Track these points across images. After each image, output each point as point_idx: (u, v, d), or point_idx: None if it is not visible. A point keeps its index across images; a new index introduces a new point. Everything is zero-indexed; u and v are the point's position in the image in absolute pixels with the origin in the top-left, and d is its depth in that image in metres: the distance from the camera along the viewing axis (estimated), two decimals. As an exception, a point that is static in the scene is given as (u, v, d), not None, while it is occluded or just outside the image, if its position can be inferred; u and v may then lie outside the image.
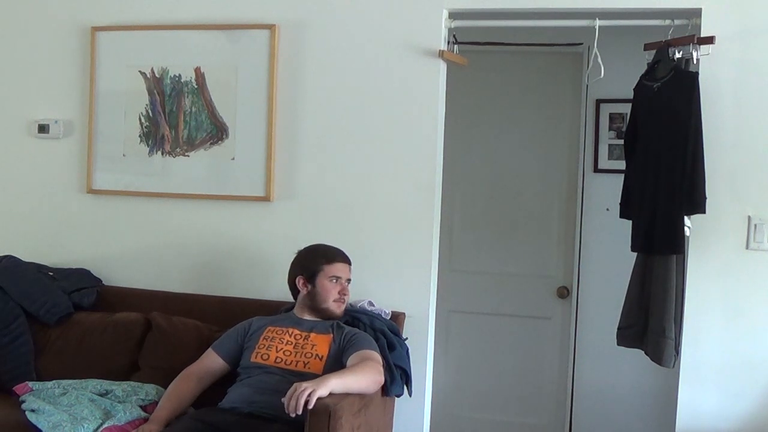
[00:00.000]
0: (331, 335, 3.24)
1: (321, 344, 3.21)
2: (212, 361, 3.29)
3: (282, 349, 3.21)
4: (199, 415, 3.07)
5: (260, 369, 3.17)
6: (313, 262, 3.32)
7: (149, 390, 3.29)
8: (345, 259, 3.36)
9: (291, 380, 2.97)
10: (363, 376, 3.02)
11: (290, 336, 3.25)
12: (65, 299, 3.72)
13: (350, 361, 3.11)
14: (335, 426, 2.83)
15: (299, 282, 3.33)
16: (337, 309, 3.31)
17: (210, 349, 3.31)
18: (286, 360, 3.18)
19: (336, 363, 3.15)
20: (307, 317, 3.32)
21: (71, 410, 3.08)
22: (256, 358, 3.20)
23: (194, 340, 3.50)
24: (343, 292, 3.31)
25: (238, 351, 3.28)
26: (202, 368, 3.27)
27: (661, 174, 3.23)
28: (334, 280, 3.30)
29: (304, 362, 3.17)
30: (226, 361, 3.28)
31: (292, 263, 3.37)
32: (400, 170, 3.62)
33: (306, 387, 2.80)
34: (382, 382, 3.15)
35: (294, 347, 3.21)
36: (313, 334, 3.25)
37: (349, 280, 3.35)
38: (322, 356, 3.18)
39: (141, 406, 3.20)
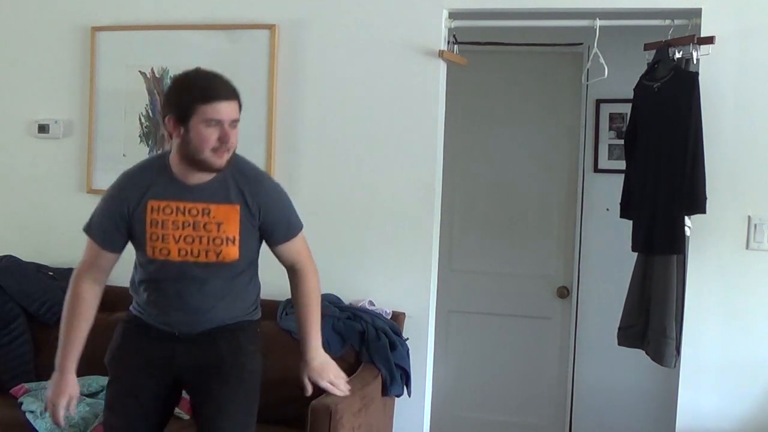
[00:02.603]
0: (238, 204, 2.63)
1: (228, 221, 2.61)
2: (108, 260, 2.70)
3: (181, 236, 2.59)
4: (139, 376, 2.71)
5: (163, 266, 2.64)
6: (184, 98, 2.52)
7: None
8: (228, 95, 2.54)
9: (209, 274, 2.63)
10: (318, 306, 2.81)
11: (183, 214, 2.60)
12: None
13: (287, 258, 2.73)
14: (335, 426, 2.84)
15: (169, 122, 2.55)
16: (218, 160, 2.54)
17: (98, 247, 2.68)
18: (192, 250, 2.60)
19: (251, 238, 2.67)
20: (192, 177, 2.60)
21: (67, 412, 3.09)
22: (154, 254, 2.61)
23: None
24: (224, 139, 2.52)
25: (125, 238, 2.68)
26: (102, 274, 2.72)
27: (662, 174, 3.24)
28: (213, 124, 2.50)
29: (215, 251, 2.60)
30: (119, 253, 2.71)
31: (164, 95, 2.70)
32: (400, 170, 3.62)
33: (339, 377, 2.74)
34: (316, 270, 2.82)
35: (194, 229, 2.60)
36: (213, 206, 2.60)
37: (235, 122, 2.56)
38: (234, 238, 2.62)
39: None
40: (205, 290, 2.64)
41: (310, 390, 2.73)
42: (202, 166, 2.56)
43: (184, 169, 2.59)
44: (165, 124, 2.57)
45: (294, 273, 2.75)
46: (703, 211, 3.18)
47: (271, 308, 3.55)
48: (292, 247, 2.72)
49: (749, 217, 3.28)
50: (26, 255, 3.91)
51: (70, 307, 2.73)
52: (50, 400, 2.67)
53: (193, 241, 2.60)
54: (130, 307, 2.79)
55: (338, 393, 2.73)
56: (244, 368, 2.69)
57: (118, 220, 2.64)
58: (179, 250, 2.60)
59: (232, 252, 2.61)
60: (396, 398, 3.44)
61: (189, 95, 2.51)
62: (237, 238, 2.61)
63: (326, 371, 2.72)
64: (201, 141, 2.50)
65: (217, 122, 2.50)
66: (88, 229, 2.70)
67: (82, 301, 2.70)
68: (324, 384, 2.71)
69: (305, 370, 2.72)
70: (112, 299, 3.82)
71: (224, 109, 2.51)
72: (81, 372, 3.43)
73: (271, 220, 2.66)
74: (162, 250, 2.60)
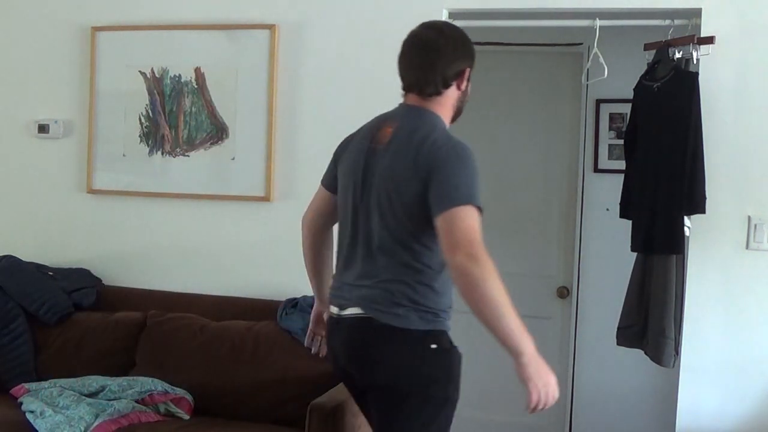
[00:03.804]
0: None
1: None
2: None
3: None
4: None
5: None
6: (473, 52, 2.54)
7: (144, 382, 3.32)
8: None
9: None
10: None
11: None
12: (65, 299, 3.72)
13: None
14: (335, 426, 2.83)
15: (465, 75, 2.50)
16: None
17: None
18: None
19: None
20: None
21: (67, 412, 3.10)
22: None
23: (186, 329, 3.54)
24: None
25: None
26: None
27: (661, 174, 3.24)
28: None
29: None
30: None
31: (461, 47, 2.51)
32: (400, 170, 3.61)
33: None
34: None
35: None
36: None
37: None
38: None
39: (137, 400, 3.23)
40: None
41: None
42: (455, 121, 2.56)
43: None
44: (462, 75, 2.48)
45: None
46: (703, 211, 3.18)
47: (271, 308, 3.56)
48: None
49: (749, 217, 3.28)
50: (26, 255, 3.91)
51: (503, 291, 2.33)
52: None
53: None
54: (436, 327, 2.38)
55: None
56: None
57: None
58: None
59: None
60: (396, 398, 3.43)
61: (473, 49, 2.53)
62: None
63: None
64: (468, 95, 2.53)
65: None
66: (478, 201, 2.31)
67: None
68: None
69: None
70: (111, 299, 3.86)
71: None
72: (81, 372, 3.46)
73: None
74: None
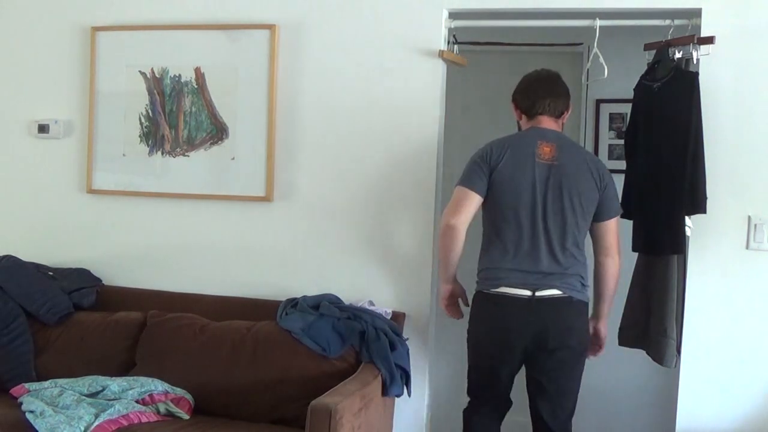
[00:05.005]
0: None
1: None
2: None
3: None
4: None
5: None
6: None
7: (144, 382, 3.31)
8: None
9: None
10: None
11: None
12: (65, 299, 3.72)
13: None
14: (335, 426, 2.83)
15: (569, 110, 3.25)
16: None
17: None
18: None
19: None
20: None
21: (68, 412, 3.10)
22: None
23: (186, 329, 3.54)
24: None
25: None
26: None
27: (662, 174, 3.23)
28: None
29: None
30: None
31: (566, 88, 3.24)
32: (400, 170, 3.62)
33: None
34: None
35: None
36: None
37: None
38: None
39: (137, 400, 3.23)
40: None
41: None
42: None
43: None
44: (567, 109, 3.21)
45: None
46: (704, 211, 3.18)
47: (271, 308, 3.56)
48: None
49: (749, 217, 3.28)
50: (26, 255, 3.91)
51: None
52: None
53: None
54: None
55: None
56: None
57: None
58: None
59: None
60: (396, 398, 3.43)
61: None
62: None
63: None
64: None
65: None
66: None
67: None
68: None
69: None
70: (111, 299, 3.86)
71: None
72: (81, 372, 3.46)
73: None
74: None
